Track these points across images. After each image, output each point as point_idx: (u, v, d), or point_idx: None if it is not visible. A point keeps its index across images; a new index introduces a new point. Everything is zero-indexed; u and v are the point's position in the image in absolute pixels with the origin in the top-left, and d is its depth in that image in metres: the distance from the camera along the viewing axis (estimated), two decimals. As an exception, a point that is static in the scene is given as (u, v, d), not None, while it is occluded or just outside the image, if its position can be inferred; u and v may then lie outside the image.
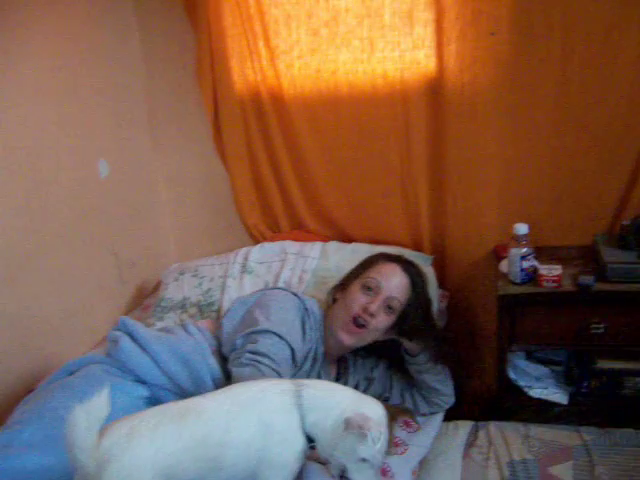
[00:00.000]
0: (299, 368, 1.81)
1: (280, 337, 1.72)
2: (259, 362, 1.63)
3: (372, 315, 1.81)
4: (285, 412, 1.35)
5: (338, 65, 2.40)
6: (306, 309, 1.89)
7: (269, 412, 1.34)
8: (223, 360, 1.81)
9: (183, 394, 1.70)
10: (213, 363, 1.78)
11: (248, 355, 1.66)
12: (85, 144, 2.29)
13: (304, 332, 1.83)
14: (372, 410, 1.38)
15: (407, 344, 1.89)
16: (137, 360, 1.76)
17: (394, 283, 1.85)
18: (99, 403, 1.21)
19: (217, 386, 1.70)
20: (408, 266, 1.92)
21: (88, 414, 1.18)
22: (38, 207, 2.07)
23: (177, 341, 1.83)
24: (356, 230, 2.59)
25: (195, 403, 1.36)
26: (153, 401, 1.70)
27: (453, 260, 2.52)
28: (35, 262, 2.05)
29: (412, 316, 1.86)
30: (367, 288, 1.85)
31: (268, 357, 1.65)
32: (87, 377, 1.69)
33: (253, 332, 1.74)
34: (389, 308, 1.84)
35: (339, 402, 1.38)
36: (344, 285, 1.94)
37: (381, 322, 1.83)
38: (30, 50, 2.03)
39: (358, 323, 1.82)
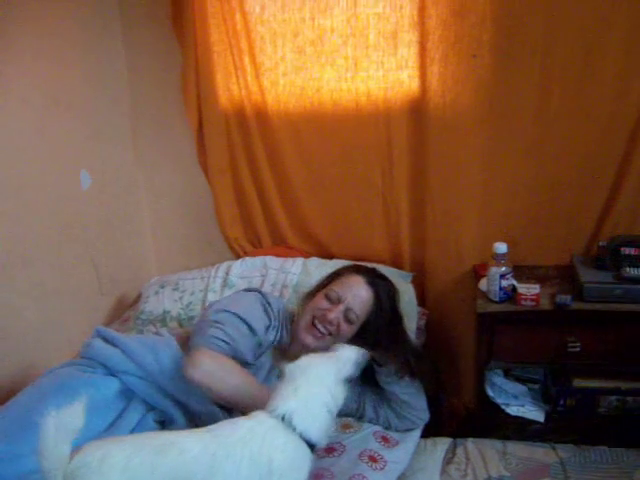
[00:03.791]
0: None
1: (235, 314, 1.82)
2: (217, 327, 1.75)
3: (330, 323, 1.86)
4: (285, 447, 1.32)
5: (322, 83, 2.42)
6: (268, 303, 1.94)
7: (266, 450, 1.30)
8: None
9: (149, 378, 1.72)
10: (177, 349, 1.80)
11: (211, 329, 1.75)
12: (67, 156, 2.29)
13: (268, 316, 1.91)
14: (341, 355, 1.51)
15: (373, 354, 1.91)
16: (106, 352, 1.78)
17: (354, 296, 1.90)
18: (71, 415, 1.18)
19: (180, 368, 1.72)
20: (374, 279, 1.97)
21: (57, 427, 1.15)
22: (18, 218, 2.05)
23: (145, 336, 1.93)
24: (337, 246, 2.61)
25: (179, 440, 1.30)
26: (124, 393, 1.71)
27: (433, 278, 2.54)
28: (14, 273, 2.04)
29: (373, 327, 1.91)
30: (328, 299, 1.90)
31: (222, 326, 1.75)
32: (56, 375, 1.72)
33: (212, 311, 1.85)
34: (348, 319, 1.88)
35: (319, 390, 1.41)
36: (312, 294, 1.99)
37: (344, 330, 1.88)
38: (14, 62, 2.03)
39: (320, 330, 1.87)
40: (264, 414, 1.37)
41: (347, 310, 1.88)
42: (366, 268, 2.04)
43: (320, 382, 1.42)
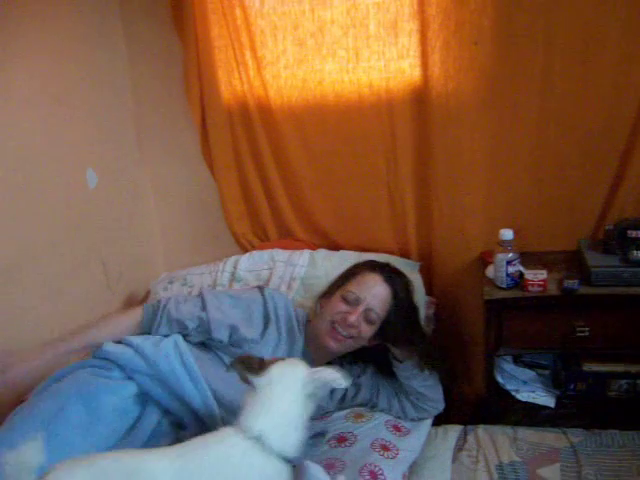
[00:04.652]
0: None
1: (200, 294, 1.91)
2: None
3: (351, 326, 1.84)
4: (262, 471, 1.29)
5: (324, 75, 2.42)
6: (265, 303, 1.94)
7: (243, 477, 1.29)
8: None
9: (160, 377, 1.71)
10: (181, 343, 1.79)
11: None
12: (73, 154, 2.30)
13: (265, 320, 1.92)
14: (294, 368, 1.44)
15: (394, 350, 1.92)
16: (117, 350, 1.77)
17: (373, 295, 1.88)
18: (31, 451, 1.18)
19: (183, 362, 1.73)
20: (391, 276, 1.94)
21: (17, 463, 1.15)
22: (26, 217, 2.07)
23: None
24: (344, 238, 2.61)
25: (149, 467, 1.25)
26: (140, 397, 1.70)
27: (440, 266, 2.54)
28: (23, 272, 2.05)
29: (393, 324, 1.88)
30: (346, 301, 1.88)
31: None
32: (74, 381, 1.69)
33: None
34: (368, 320, 1.86)
35: (289, 406, 1.37)
36: (328, 294, 1.98)
37: (364, 331, 1.87)
38: (16, 60, 2.04)
39: (342, 334, 1.85)
40: (237, 435, 1.32)
41: (367, 311, 1.86)
42: (381, 264, 2.01)
43: (291, 396, 1.38)
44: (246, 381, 1.43)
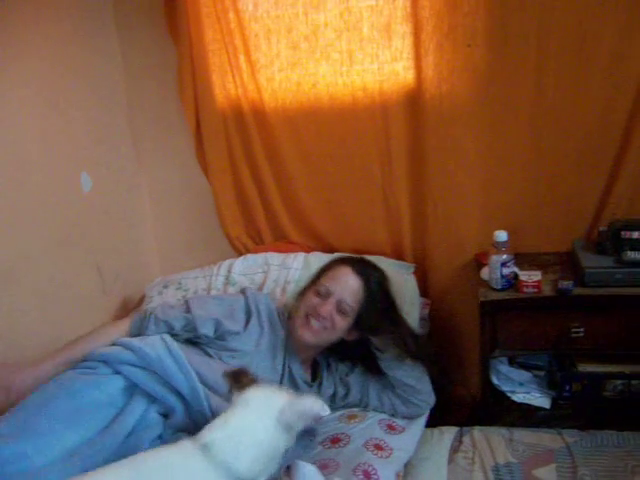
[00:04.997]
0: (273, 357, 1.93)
1: (187, 300, 2.00)
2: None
3: (324, 318, 1.88)
4: (194, 475, 1.28)
5: (318, 78, 2.43)
6: (247, 303, 2.01)
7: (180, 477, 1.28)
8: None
9: (148, 366, 1.72)
10: (167, 337, 1.82)
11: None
12: (68, 158, 2.29)
13: (244, 313, 1.99)
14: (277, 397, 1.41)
15: (374, 340, 1.94)
16: (105, 349, 1.80)
17: (344, 287, 1.92)
18: None
19: (169, 350, 1.76)
20: (363, 267, 1.98)
21: None
22: (21, 221, 2.06)
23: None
24: (338, 240, 2.61)
25: None
26: (127, 390, 1.71)
27: (435, 268, 2.54)
28: (18, 276, 2.05)
29: (367, 315, 1.92)
30: (318, 294, 1.93)
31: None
32: (60, 380, 1.71)
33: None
34: (341, 311, 1.90)
35: (253, 425, 1.35)
36: (306, 289, 2.02)
37: (338, 323, 1.90)
38: (14, 66, 2.04)
39: (315, 326, 1.90)
40: (188, 443, 1.33)
41: (339, 302, 1.90)
42: (355, 258, 2.06)
43: (259, 418, 1.35)
44: (230, 394, 1.43)
